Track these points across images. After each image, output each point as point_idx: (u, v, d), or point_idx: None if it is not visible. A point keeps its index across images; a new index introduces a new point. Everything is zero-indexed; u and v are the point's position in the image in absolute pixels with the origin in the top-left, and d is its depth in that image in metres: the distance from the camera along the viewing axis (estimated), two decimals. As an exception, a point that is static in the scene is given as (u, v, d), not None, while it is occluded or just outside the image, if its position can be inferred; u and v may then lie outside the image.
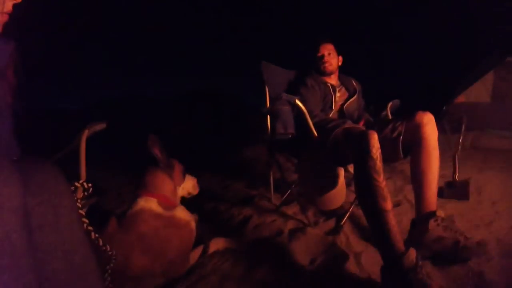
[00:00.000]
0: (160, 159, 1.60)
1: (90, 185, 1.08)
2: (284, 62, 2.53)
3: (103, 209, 2.58)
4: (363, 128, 1.60)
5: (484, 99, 4.53)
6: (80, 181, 1.07)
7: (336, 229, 1.83)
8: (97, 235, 1.04)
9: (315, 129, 1.71)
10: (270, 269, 1.47)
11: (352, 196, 2.03)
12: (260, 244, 1.74)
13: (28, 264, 0.66)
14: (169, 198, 1.56)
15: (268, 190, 2.56)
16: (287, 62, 2.56)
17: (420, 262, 1.14)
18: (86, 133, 1.41)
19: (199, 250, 1.63)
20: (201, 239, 1.70)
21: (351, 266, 1.42)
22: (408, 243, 1.26)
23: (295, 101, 1.71)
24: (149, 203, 1.46)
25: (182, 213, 1.56)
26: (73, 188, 1.02)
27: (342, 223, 1.86)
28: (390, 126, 1.70)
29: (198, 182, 1.94)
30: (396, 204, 2.12)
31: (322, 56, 2.22)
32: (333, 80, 2.27)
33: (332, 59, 2.23)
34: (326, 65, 2.21)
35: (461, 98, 4.38)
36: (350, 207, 1.93)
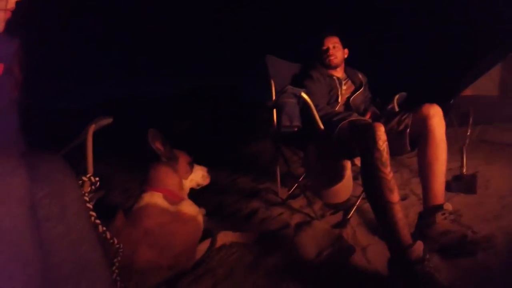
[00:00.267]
0: (162, 153, 1.60)
1: (97, 179, 1.08)
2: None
3: (110, 204, 2.60)
4: (370, 121, 1.59)
5: (491, 92, 4.47)
6: (87, 175, 1.07)
7: (343, 223, 1.83)
8: (104, 228, 1.05)
9: (321, 122, 1.71)
10: (277, 262, 1.47)
11: (359, 190, 2.02)
12: (266, 237, 1.74)
13: (34, 255, 0.66)
14: (174, 192, 1.57)
15: (275, 184, 2.56)
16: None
17: (427, 255, 1.14)
18: (93, 128, 1.42)
19: (206, 244, 1.63)
20: (208, 232, 1.70)
21: (357, 259, 1.41)
22: (415, 236, 1.25)
23: (300, 94, 1.71)
24: (154, 198, 1.47)
25: (188, 208, 1.56)
26: (80, 182, 1.02)
27: (349, 216, 1.86)
28: (396, 119, 1.69)
29: (209, 172, 1.92)
30: (403, 197, 2.12)
31: (327, 49, 2.21)
32: (339, 73, 2.26)
33: (337, 52, 2.21)
34: (331, 58, 2.20)
35: (468, 91, 4.32)
36: (357, 201, 1.93)
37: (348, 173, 1.56)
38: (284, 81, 2.36)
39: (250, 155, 4.54)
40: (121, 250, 1.17)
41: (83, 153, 1.38)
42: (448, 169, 1.63)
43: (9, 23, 0.98)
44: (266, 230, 1.84)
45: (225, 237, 1.70)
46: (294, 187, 2.44)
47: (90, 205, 0.93)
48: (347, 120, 1.60)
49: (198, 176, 1.83)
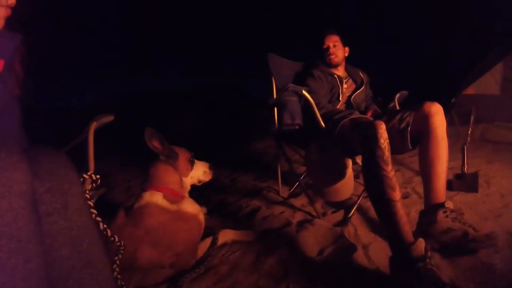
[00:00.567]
0: (160, 151, 1.60)
1: (98, 176, 1.08)
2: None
3: (111, 202, 2.60)
4: (371, 119, 1.59)
5: (493, 91, 4.46)
6: (89, 173, 1.07)
7: (344, 221, 1.82)
8: (105, 226, 1.05)
9: (323, 120, 1.71)
10: (278, 260, 1.47)
11: (360, 188, 2.02)
12: (268, 236, 1.74)
13: (35, 249, 0.66)
14: (174, 190, 1.56)
15: (276, 182, 2.57)
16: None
17: (429, 253, 1.14)
18: (94, 125, 1.41)
19: (207, 242, 1.63)
20: (210, 231, 1.70)
21: (359, 257, 1.41)
22: (417, 234, 1.25)
23: (302, 92, 1.71)
24: (154, 198, 1.47)
25: (189, 206, 1.56)
26: (81, 179, 1.03)
27: (350, 215, 1.86)
28: (398, 117, 1.68)
29: (211, 168, 1.91)
30: (405, 196, 2.11)
31: (328, 48, 2.22)
32: (340, 71, 2.27)
33: (337, 50, 2.22)
34: (332, 56, 2.21)
35: (470, 90, 4.31)
36: (358, 199, 1.93)
37: (350, 171, 1.56)
38: (286, 79, 2.36)
39: (251, 154, 4.54)
40: (122, 248, 1.17)
41: (85, 151, 1.38)
42: (450, 168, 1.63)
43: (9, 20, 0.99)
44: (267, 229, 1.84)
45: (226, 236, 1.70)
46: (295, 185, 2.44)
47: (91, 203, 0.93)
48: (348, 118, 1.60)
49: (199, 173, 1.82)
